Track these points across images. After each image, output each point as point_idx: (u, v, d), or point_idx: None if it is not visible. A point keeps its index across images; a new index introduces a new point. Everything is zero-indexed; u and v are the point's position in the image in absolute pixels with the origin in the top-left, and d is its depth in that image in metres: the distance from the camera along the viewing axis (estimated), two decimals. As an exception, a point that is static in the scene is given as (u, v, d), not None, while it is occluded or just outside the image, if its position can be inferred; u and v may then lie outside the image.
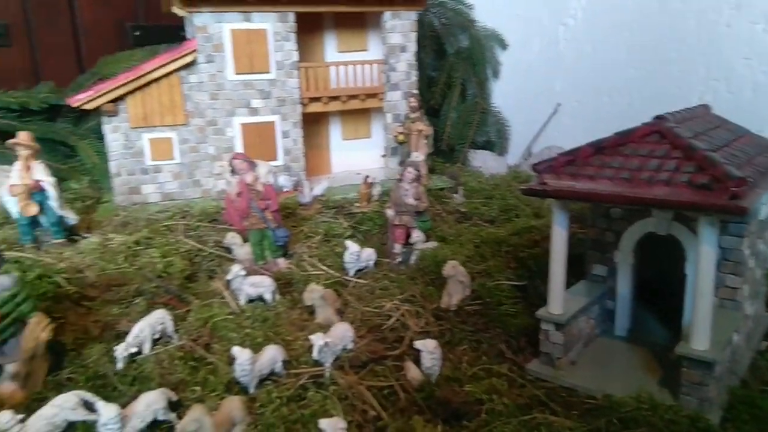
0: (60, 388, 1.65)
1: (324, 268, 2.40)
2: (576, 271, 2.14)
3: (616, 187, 1.68)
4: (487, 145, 4.27)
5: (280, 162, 3.35)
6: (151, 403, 1.47)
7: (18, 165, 2.40)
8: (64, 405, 1.48)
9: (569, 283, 2.03)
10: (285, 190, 3.20)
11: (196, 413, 1.41)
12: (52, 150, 3.59)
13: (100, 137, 3.53)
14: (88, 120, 3.72)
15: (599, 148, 1.83)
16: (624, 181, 1.68)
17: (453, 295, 2.15)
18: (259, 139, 3.30)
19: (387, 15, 3.39)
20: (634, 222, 1.94)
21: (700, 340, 1.64)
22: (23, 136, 2.41)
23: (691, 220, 1.73)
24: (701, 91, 3.25)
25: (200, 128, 3.21)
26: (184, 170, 3.25)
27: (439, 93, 4.24)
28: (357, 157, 3.79)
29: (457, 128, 4.10)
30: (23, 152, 2.38)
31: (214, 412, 1.47)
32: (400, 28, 3.44)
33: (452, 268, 2.14)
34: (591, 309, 2.05)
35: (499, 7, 4.20)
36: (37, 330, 1.63)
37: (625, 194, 1.64)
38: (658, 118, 1.81)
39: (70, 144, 3.60)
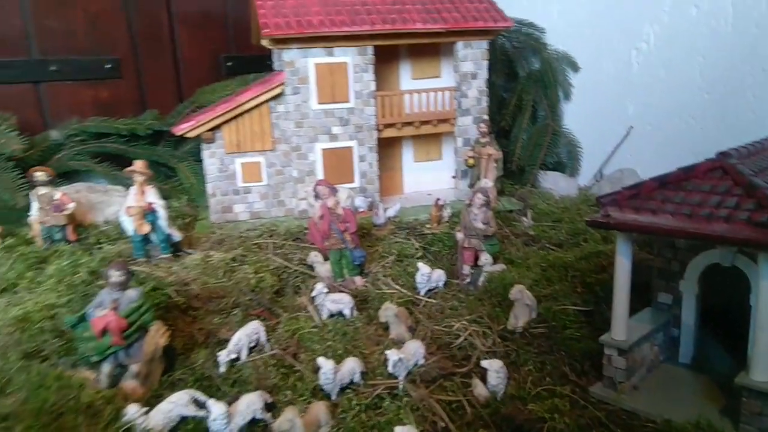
0: (173, 387, 1.93)
1: (397, 287, 2.59)
2: (642, 298, 2.22)
3: (677, 222, 1.77)
4: (558, 167, 4.33)
5: (356, 184, 3.58)
6: (250, 403, 1.71)
7: (134, 189, 2.76)
8: (178, 402, 1.75)
9: (636, 310, 2.12)
10: (361, 210, 3.42)
11: (289, 414, 1.64)
12: (155, 171, 3.98)
13: (197, 159, 3.92)
14: (187, 144, 4.11)
15: (663, 182, 1.92)
16: (685, 216, 1.76)
17: (519, 318, 2.28)
18: (338, 163, 3.55)
19: (459, 45, 3.56)
20: (699, 253, 2.01)
21: (760, 371, 1.70)
22: (140, 165, 2.77)
23: (756, 253, 1.79)
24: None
25: (285, 153, 3.50)
26: (270, 191, 3.54)
27: (510, 115, 4.36)
28: (428, 178, 3.98)
29: (527, 150, 4.19)
30: (139, 178, 2.74)
31: (303, 414, 1.69)
32: (471, 57, 3.60)
33: (519, 292, 2.28)
34: (655, 336, 2.12)
35: (571, 30, 4.27)
36: (156, 336, 1.92)
37: (686, 229, 1.73)
38: (722, 154, 1.88)
39: (171, 166, 3.98)
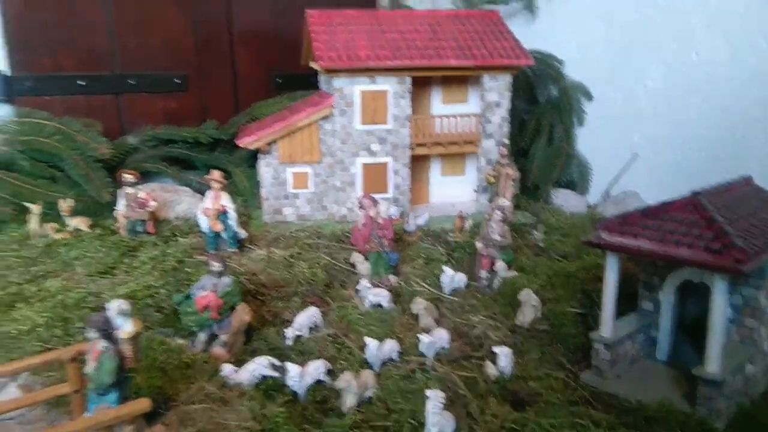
0: (251, 354, 2.46)
1: (425, 285, 3.11)
2: (631, 304, 2.71)
3: (651, 245, 2.26)
4: (570, 185, 4.81)
5: (390, 195, 4.10)
6: (317, 367, 2.24)
7: (210, 194, 3.31)
8: (260, 364, 2.28)
9: (624, 313, 2.61)
10: (394, 218, 3.94)
11: (347, 376, 2.17)
12: (213, 174, 4.56)
13: (250, 165, 4.48)
14: (240, 151, 4.66)
15: (645, 213, 2.41)
16: (658, 241, 2.25)
17: (526, 316, 2.79)
18: (375, 176, 4.07)
19: (486, 77, 4.06)
20: (673, 270, 2.49)
21: (711, 364, 2.18)
22: (216, 174, 3.32)
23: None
24: (762, 152, 3.67)
25: (330, 165, 4.03)
26: (315, 198, 4.07)
27: (529, 136, 4.85)
28: (452, 191, 4.48)
29: (542, 169, 4.68)
30: (216, 185, 3.29)
31: (356, 377, 2.22)
32: (496, 88, 4.10)
33: (527, 294, 2.79)
34: (637, 336, 2.61)
35: (586, 64, 4.75)
36: (242, 314, 2.46)
37: (657, 252, 2.23)
38: (695, 193, 2.37)
39: (227, 170, 4.53)
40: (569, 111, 4.83)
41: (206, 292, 2.40)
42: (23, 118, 3.82)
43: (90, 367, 1.73)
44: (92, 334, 1.68)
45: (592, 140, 4.80)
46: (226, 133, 4.56)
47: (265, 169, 3.99)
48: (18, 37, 3.90)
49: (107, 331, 1.69)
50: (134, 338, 1.83)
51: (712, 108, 3.90)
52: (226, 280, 2.45)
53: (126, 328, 1.81)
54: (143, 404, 1.58)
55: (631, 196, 4.32)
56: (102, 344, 1.69)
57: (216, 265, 2.41)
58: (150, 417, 1.97)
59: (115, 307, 1.84)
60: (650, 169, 4.37)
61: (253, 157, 4.46)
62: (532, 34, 5.10)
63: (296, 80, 4.95)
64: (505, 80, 4.09)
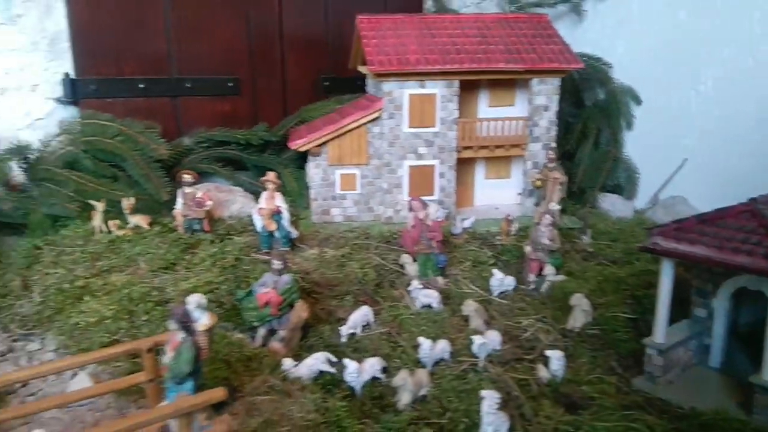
0: (307, 350, 2.55)
1: (474, 288, 3.16)
2: (684, 310, 2.70)
3: (708, 252, 2.26)
4: (617, 189, 4.77)
5: (436, 197, 4.14)
6: (373, 364, 2.32)
7: (265, 194, 3.43)
8: (319, 358, 2.38)
9: (676, 320, 2.61)
10: (439, 220, 3.99)
11: (403, 374, 2.23)
12: (262, 174, 4.68)
13: (297, 167, 4.59)
14: (288, 152, 4.78)
15: (702, 219, 2.40)
16: (715, 248, 2.25)
17: (577, 320, 2.80)
18: (422, 178, 4.12)
19: (534, 81, 4.08)
20: (729, 277, 2.48)
21: (770, 373, 2.17)
22: (272, 176, 3.44)
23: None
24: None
25: (377, 167, 4.10)
26: (362, 199, 4.15)
27: (575, 140, 4.83)
28: (496, 194, 4.50)
29: (589, 173, 4.66)
30: (270, 186, 3.41)
31: (412, 375, 2.28)
32: (544, 92, 4.11)
33: (578, 299, 2.80)
34: (690, 342, 2.60)
35: (635, 67, 4.71)
36: (300, 311, 2.56)
37: (714, 258, 2.22)
38: (752, 199, 2.35)
39: (277, 171, 4.66)
40: (617, 115, 4.79)
41: (267, 289, 2.50)
42: (87, 119, 4.01)
43: (169, 357, 1.84)
44: (173, 325, 1.79)
45: (641, 144, 4.75)
46: (275, 135, 4.68)
47: (314, 170, 4.09)
48: (83, 43, 4.10)
49: (186, 324, 1.80)
50: (209, 331, 1.94)
51: (766, 114, 3.82)
52: (286, 278, 2.55)
53: (203, 320, 1.92)
54: (219, 393, 1.68)
55: (680, 202, 4.27)
56: (181, 335, 1.80)
57: (277, 264, 2.51)
58: (216, 407, 2.07)
59: (194, 301, 1.95)
60: (699, 174, 4.30)
61: (301, 158, 4.57)
62: (579, 37, 5.09)
63: (343, 83, 5.03)
64: (553, 84, 4.10)
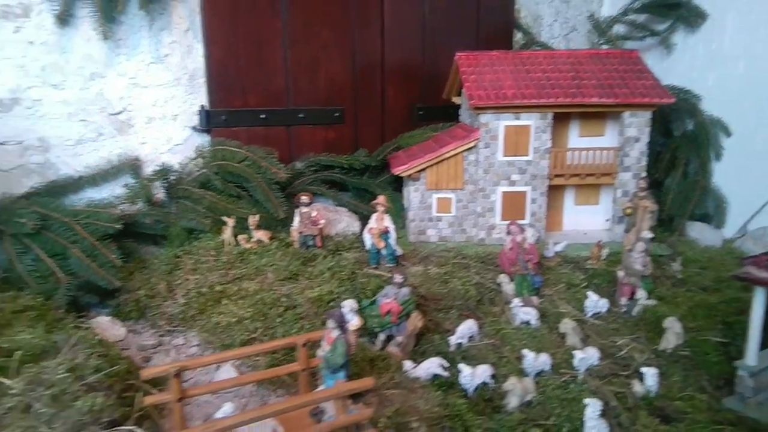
0: (420, 356, 2.90)
1: (569, 308, 3.41)
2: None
3: (802, 283, 2.44)
4: (705, 218, 4.86)
5: (526, 221, 4.42)
6: (484, 370, 2.64)
7: (375, 216, 3.84)
8: (434, 362, 2.72)
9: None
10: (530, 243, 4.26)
11: (512, 380, 2.54)
12: (361, 196, 5.12)
13: (394, 189, 5.00)
14: (384, 175, 5.20)
15: (796, 251, 2.57)
16: (809, 280, 2.42)
17: (669, 341, 3.00)
18: (513, 204, 4.42)
19: (626, 114, 4.29)
20: (824, 307, 2.62)
21: None
22: (381, 199, 3.85)
23: None
24: None
25: (472, 192, 4.43)
26: (456, 221, 4.49)
27: (664, 169, 4.98)
28: (584, 220, 4.72)
29: (677, 201, 4.78)
30: (380, 208, 3.82)
31: (520, 382, 2.58)
32: (636, 124, 4.31)
33: (671, 322, 3.00)
34: (782, 368, 2.75)
35: (726, 100, 4.82)
36: (416, 320, 2.92)
37: (809, 289, 2.39)
38: None
39: (373, 192, 5.07)
40: (706, 145, 4.90)
41: (389, 299, 2.88)
42: (218, 145, 4.59)
43: (324, 351, 2.24)
44: (330, 324, 2.18)
45: (730, 175, 4.83)
46: (374, 159, 5.12)
47: (413, 194, 4.47)
48: (217, 79, 4.70)
49: (341, 323, 2.19)
50: (357, 331, 2.32)
51: None
52: (405, 290, 2.92)
53: (354, 322, 2.31)
54: (369, 382, 2.04)
55: (771, 234, 4.34)
56: (336, 332, 2.19)
57: (399, 278, 2.89)
58: (354, 396, 2.45)
59: (348, 305, 2.35)
60: (793, 206, 4.35)
61: (395, 181, 4.99)
62: (668, 69, 5.27)
63: (436, 112, 5.42)
64: (645, 117, 4.30)
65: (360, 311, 2.98)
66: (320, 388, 2.31)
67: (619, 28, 5.67)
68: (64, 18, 4.14)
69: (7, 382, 2.29)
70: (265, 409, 1.80)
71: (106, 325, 3.46)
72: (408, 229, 4.54)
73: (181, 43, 4.61)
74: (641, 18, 5.62)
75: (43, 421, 2.08)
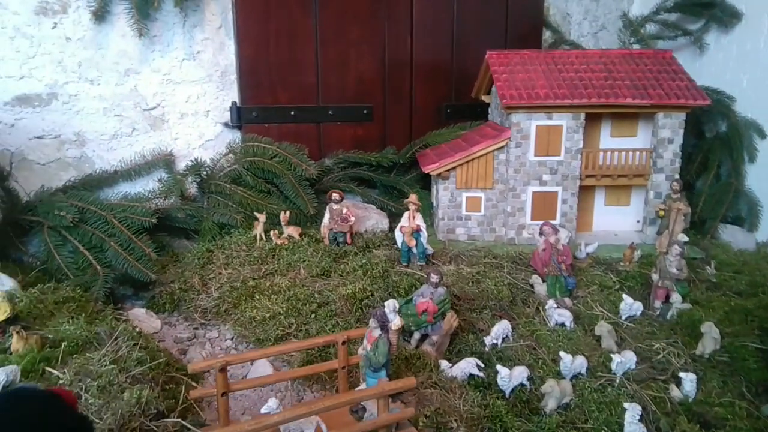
0: (455, 356, 2.91)
1: (602, 310, 3.39)
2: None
3: None
4: (738, 221, 4.79)
5: (557, 222, 4.39)
6: (521, 371, 2.64)
7: (407, 214, 3.84)
8: (471, 362, 2.72)
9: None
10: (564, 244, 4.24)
11: (551, 381, 2.53)
12: (389, 193, 5.13)
13: (422, 186, 4.99)
14: (412, 172, 5.20)
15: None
16: None
17: (707, 347, 2.97)
18: (544, 204, 4.39)
19: (660, 115, 4.25)
20: None
21: None
22: (413, 198, 3.85)
23: None
24: None
25: (501, 192, 4.41)
26: (485, 220, 4.48)
27: (695, 171, 4.92)
28: (615, 221, 4.68)
29: (709, 204, 4.72)
30: (412, 207, 3.82)
31: (558, 384, 2.57)
32: (669, 126, 4.27)
33: (709, 327, 2.97)
34: (823, 376, 2.72)
35: (760, 102, 4.74)
36: (451, 320, 2.92)
37: None
38: None
39: (402, 190, 5.08)
40: (739, 147, 4.83)
41: (425, 299, 2.88)
42: (250, 141, 4.63)
43: (365, 349, 2.25)
44: (372, 323, 2.20)
45: (763, 177, 4.76)
46: (402, 157, 5.12)
47: (443, 192, 4.47)
48: (248, 76, 4.73)
49: (383, 323, 2.20)
50: (398, 331, 2.34)
51: None
52: (441, 290, 2.93)
53: (396, 321, 2.32)
54: (411, 381, 2.06)
55: (808, 237, 4.26)
56: (378, 332, 2.20)
57: (435, 277, 2.90)
58: (392, 395, 2.46)
59: (390, 305, 2.36)
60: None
61: (423, 178, 4.99)
62: (700, 69, 5.20)
63: (463, 110, 5.41)
64: (678, 118, 4.25)
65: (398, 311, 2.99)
66: (361, 386, 2.33)
67: (650, 27, 5.60)
68: (101, 14, 4.20)
69: (56, 372, 2.34)
70: (312, 406, 1.83)
71: (142, 317, 3.52)
72: (437, 228, 4.54)
73: (214, 40, 4.64)
74: (673, 17, 5.54)
75: (92, 412, 2.13)
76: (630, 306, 3.29)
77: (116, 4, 4.25)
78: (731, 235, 4.58)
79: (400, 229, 3.84)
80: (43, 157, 4.23)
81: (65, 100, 4.24)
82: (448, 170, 4.40)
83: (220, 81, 4.70)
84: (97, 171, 4.33)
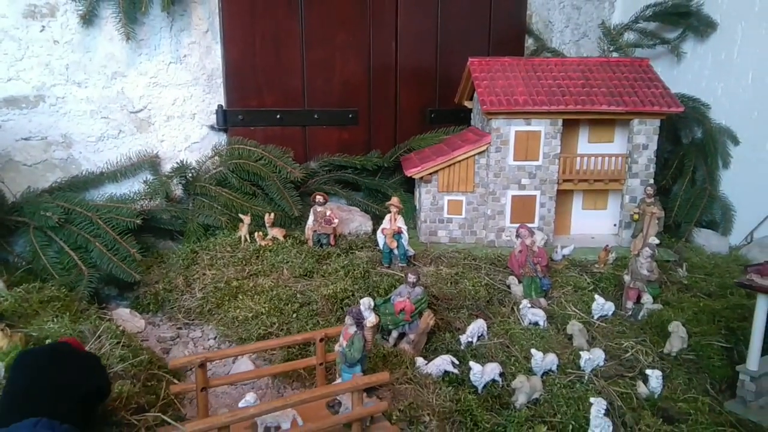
0: (432, 353, 3.00)
1: (575, 310, 3.50)
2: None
3: (803, 290, 2.52)
4: (712, 225, 4.93)
5: (535, 225, 4.50)
6: (493, 368, 2.73)
7: (389, 216, 3.93)
8: (445, 359, 2.81)
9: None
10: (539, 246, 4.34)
11: (521, 378, 2.63)
12: (373, 196, 5.22)
13: (405, 189, 5.09)
14: (396, 176, 5.30)
15: (798, 260, 2.66)
16: (810, 287, 2.51)
17: (674, 345, 3.09)
18: (523, 207, 4.50)
19: (635, 121, 4.38)
20: (824, 315, 2.70)
21: None
22: (395, 200, 3.94)
23: None
24: None
25: (482, 195, 4.52)
26: (466, 223, 4.57)
27: (671, 176, 5.06)
28: (592, 224, 4.80)
29: (684, 208, 4.86)
30: (393, 209, 3.91)
31: (528, 380, 2.67)
32: (644, 132, 4.39)
33: (676, 326, 3.09)
34: (783, 372, 2.84)
35: (734, 109, 4.89)
36: (428, 318, 3.01)
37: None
38: None
39: (386, 193, 5.17)
40: (714, 153, 4.98)
41: (403, 298, 2.98)
42: (235, 144, 4.70)
43: (341, 346, 2.34)
44: (348, 320, 2.29)
45: (737, 183, 4.91)
46: (387, 161, 5.22)
47: (425, 195, 4.56)
48: (234, 79, 4.81)
49: (359, 320, 2.29)
50: (373, 328, 2.42)
51: None
52: (418, 290, 3.02)
53: (371, 319, 2.41)
54: (384, 376, 2.14)
55: (776, 242, 4.40)
56: (353, 329, 2.29)
57: (412, 278, 2.99)
58: (368, 390, 2.55)
59: (365, 302, 2.45)
60: (799, 215, 4.42)
61: (407, 182, 5.09)
62: (677, 77, 5.35)
63: (447, 115, 5.51)
64: (653, 125, 4.38)
65: (374, 309, 3.07)
66: (337, 381, 2.41)
67: (629, 36, 5.75)
68: (89, 18, 4.26)
69: (40, 368, 2.39)
70: (288, 399, 1.91)
71: (126, 317, 3.58)
72: (419, 230, 4.63)
73: (200, 44, 4.72)
74: (651, 26, 5.69)
75: (74, 406, 2.19)
76: (602, 306, 3.40)
77: (104, 8, 4.31)
78: (705, 239, 4.71)
79: (382, 231, 3.93)
80: (29, 158, 4.28)
81: (52, 102, 4.30)
82: (431, 174, 4.49)
83: (207, 84, 4.77)
84: (84, 172, 4.38)
